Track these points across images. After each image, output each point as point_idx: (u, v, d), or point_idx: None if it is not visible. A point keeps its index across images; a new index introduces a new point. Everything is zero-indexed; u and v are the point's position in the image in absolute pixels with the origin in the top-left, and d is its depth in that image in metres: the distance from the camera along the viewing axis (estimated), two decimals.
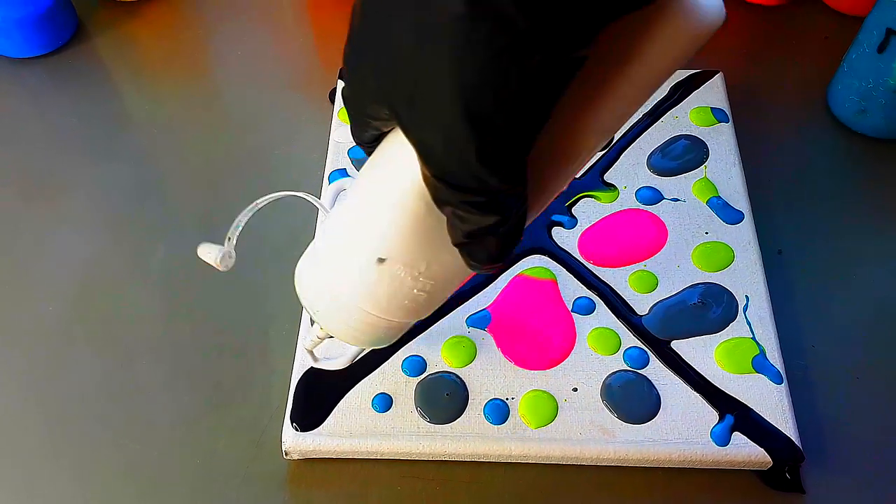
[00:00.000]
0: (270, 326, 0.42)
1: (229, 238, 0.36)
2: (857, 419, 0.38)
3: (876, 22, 0.43)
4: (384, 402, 0.37)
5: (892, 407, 0.39)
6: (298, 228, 0.44)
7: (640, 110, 0.46)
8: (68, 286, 0.43)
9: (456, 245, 0.24)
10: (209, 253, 0.36)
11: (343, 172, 0.45)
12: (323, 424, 0.36)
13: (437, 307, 0.30)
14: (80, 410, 0.39)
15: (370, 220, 0.26)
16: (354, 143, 0.42)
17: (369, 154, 0.27)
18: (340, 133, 0.46)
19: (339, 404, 0.37)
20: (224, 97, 0.53)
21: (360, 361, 0.38)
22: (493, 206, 0.22)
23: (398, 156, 0.25)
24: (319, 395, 0.37)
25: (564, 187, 0.27)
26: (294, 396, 0.37)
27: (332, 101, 0.49)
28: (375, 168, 0.26)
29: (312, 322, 0.36)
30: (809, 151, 0.48)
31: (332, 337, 0.32)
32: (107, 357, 0.41)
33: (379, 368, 0.38)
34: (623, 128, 0.46)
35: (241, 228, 0.36)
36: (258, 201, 0.35)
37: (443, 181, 0.21)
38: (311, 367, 0.38)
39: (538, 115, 0.20)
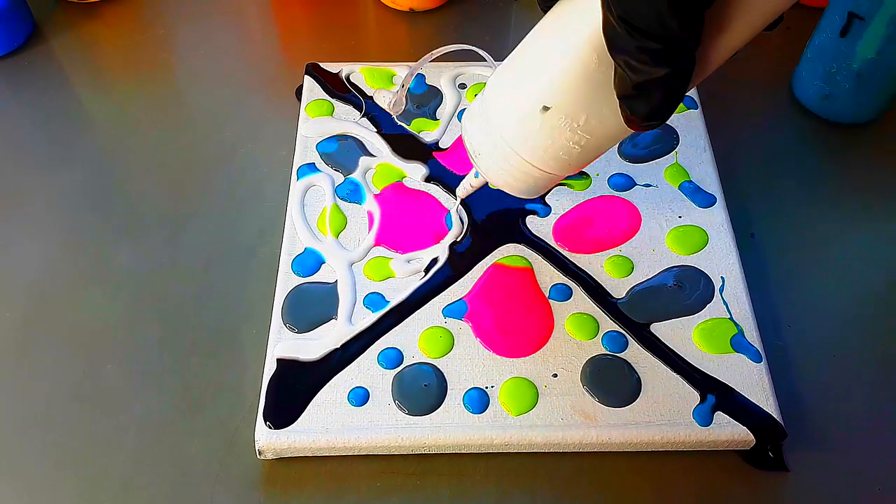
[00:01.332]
0: (241, 326, 0.40)
1: (402, 85, 0.38)
2: (836, 396, 0.38)
3: (838, 6, 0.44)
4: (361, 396, 0.36)
5: (870, 383, 0.39)
6: (267, 222, 0.43)
7: None
8: (28, 292, 0.42)
9: (621, 97, 0.25)
10: (383, 98, 0.41)
11: (312, 167, 0.44)
12: (297, 421, 0.35)
13: (585, 164, 0.31)
14: (45, 418, 0.38)
15: (541, 67, 0.28)
16: (323, 137, 0.42)
17: (545, 9, 0.28)
18: (308, 128, 0.45)
19: (313, 400, 0.36)
20: (188, 97, 0.51)
21: (334, 356, 0.37)
22: (667, 55, 0.23)
23: (576, 7, 0.26)
24: (293, 391, 0.36)
25: (722, 61, 0.27)
26: (266, 394, 0.36)
27: (299, 97, 0.48)
28: (552, 20, 0.28)
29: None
30: (777, 138, 0.49)
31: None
32: (71, 363, 0.39)
33: (354, 362, 0.37)
34: None
35: (414, 75, 0.37)
36: (433, 52, 0.38)
37: (625, 23, 0.22)
38: (283, 364, 0.37)
39: None
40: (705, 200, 0.42)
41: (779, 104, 0.50)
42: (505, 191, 0.32)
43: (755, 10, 0.25)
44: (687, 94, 0.46)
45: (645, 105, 0.25)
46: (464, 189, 0.37)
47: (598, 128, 0.28)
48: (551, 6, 0.28)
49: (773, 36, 0.53)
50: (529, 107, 0.28)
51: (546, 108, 0.28)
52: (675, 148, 0.44)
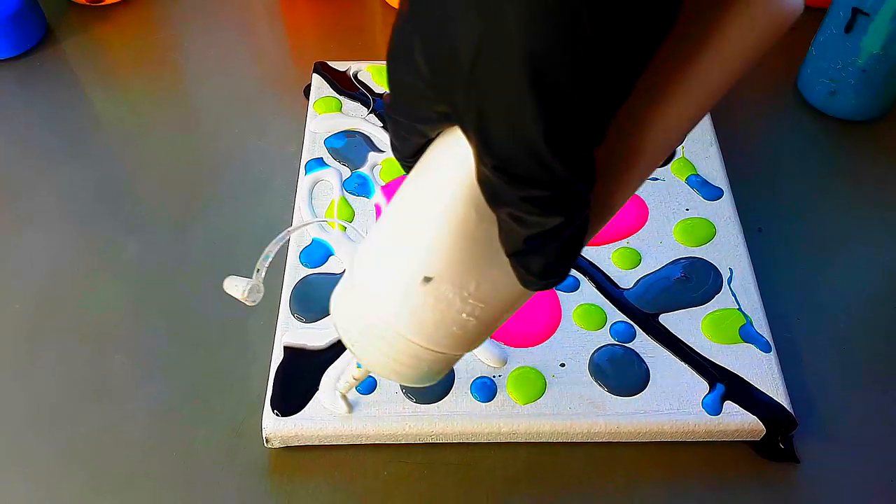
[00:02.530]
0: (249, 318, 0.40)
1: (258, 270, 0.34)
2: (846, 387, 0.38)
3: (842, 2, 0.44)
4: (368, 385, 0.36)
5: (880, 374, 0.38)
6: (275, 216, 0.43)
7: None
8: (38, 285, 0.42)
9: (511, 255, 0.22)
10: (236, 286, 0.35)
11: (320, 162, 0.44)
12: (304, 409, 0.35)
13: (486, 338, 0.27)
14: (55, 409, 0.38)
15: (414, 234, 0.24)
16: (331, 133, 0.41)
17: (407, 172, 0.25)
18: (316, 124, 0.46)
19: (321, 388, 0.36)
20: (197, 97, 0.52)
21: (340, 344, 0.37)
22: (558, 203, 0.19)
23: (445, 163, 0.22)
24: (300, 379, 0.36)
25: (624, 202, 0.24)
26: (274, 382, 0.36)
27: (307, 96, 0.48)
28: (419, 179, 0.24)
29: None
30: (783, 135, 0.49)
31: (369, 376, 0.30)
32: (79, 354, 0.39)
33: None
34: None
35: (270, 259, 0.34)
36: (286, 231, 0.35)
37: (503, 173, 0.19)
38: (291, 352, 0.37)
39: (615, 85, 0.18)
40: (712, 193, 0.42)
41: (784, 101, 0.50)
42: (394, 381, 0.28)
43: (653, 140, 0.22)
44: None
45: (540, 260, 0.21)
46: (346, 384, 0.33)
47: (491, 293, 0.24)
48: (413, 164, 0.24)
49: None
50: (409, 280, 0.24)
51: (428, 279, 0.24)
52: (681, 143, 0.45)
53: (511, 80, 0.17)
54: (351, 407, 0.35)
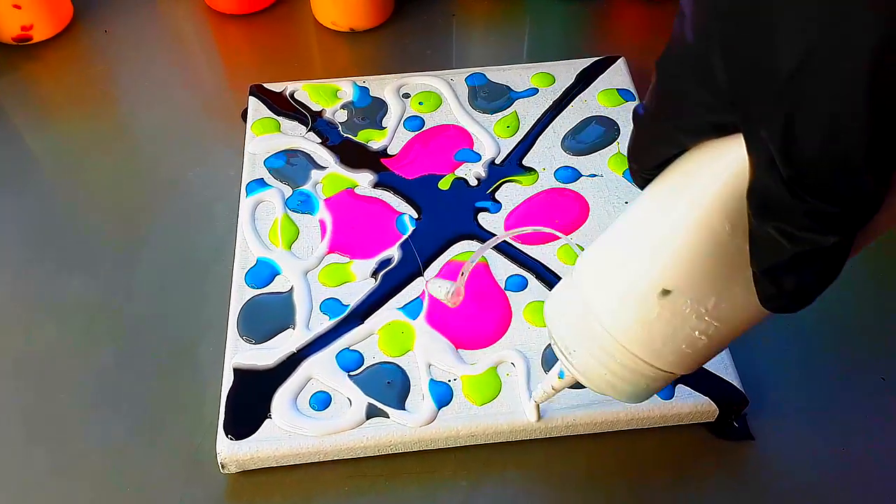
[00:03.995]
0: (199, 344, 0.40)
1: (463, 273, 0.35)
2: (793, 362, 0.39)
3: None
4: (322, 401, 0.35)
5: (825, 346, 0.39)
6: (219, 241, 0.43)
7: (549, 99, 0.48)
8: None
9: (764, 271, 0.21)
10: (439, 288, 0.37)
11: (261, 182, 0.44)
12: (258, 431, 0.35)
13: (707, 360, 0.26)
14: (1, 450, 0.36)
15: (656, 244, 0.23)
16: (270, 153, 0.41)
17: (643, 184, 0.25)
18: (255, 145, 0.46)
19: (273, 408, 0.35)
20: (134, 128, 0.51)
21: (290, 362, 0.36)
22: (842, 221, 0.19)
23: (700, 176, 0.22)
24: (251, 400, 0.35)
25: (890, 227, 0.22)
26: (225, 405, 0.35)
27: (245, 119, 0.48)
28: (664, 190, 0.23)
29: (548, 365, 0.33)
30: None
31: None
32: (24, 393, 0.38)
33: (314, 367, 0.36)
34: (536, 114, 0.47)
35: (474, 263, 0.36)
36: (494, 238, 0.36)
37: (796, 185, 0.18)
38: (241, 374, 0.36)
39: None
40: None
41: None
42: (607, 395, 0.28)
43: None
44: (624, 88, 0.48)
45: (796, 280, 0.21)
46: (544, 392, 0.32)
47: (728, 312, 0.23)
48: (651, 179, 0.24)
49: None
50: (643, 291, 0.24)
51: (666, 293, 0.23)
52: (616, 139, 0.45)
53: (845, 89, 0.17)
54: (540, 416, 0.34)
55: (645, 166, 0.24)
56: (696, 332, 0.24)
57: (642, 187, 0.25)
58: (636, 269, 0.24)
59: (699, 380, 0.36)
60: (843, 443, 0.36)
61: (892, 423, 0.37)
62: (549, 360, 0.37)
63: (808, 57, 0.17)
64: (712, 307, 0.23)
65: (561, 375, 0.30)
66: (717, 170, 0.21)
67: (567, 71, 0.49)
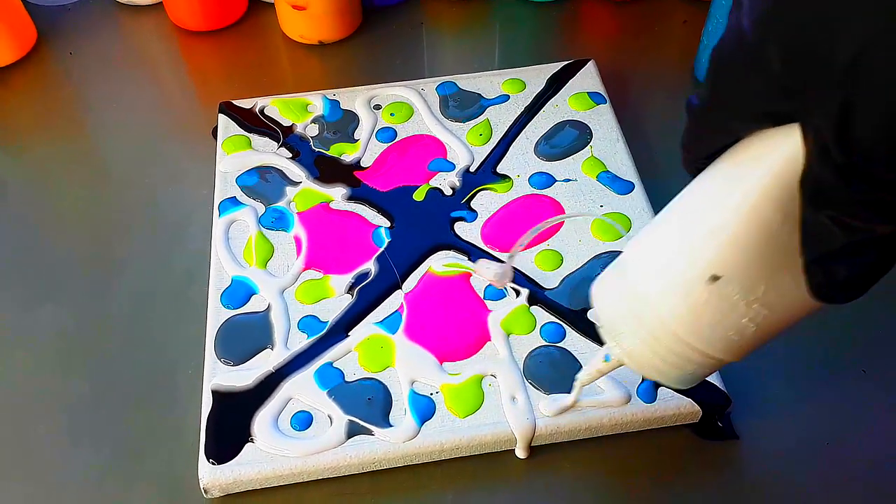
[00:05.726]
0: (177, 369, 0.39)
1: (511, 255, 0.36)
2: (775, 358, 0.39)
3: None
4: (304, 420, 0.35)
5: (806, 340, 0.39)
6: (193, 262, 0.42)
7: (521, 105, 0.47)
8: None
9: (815, 260, 0.21)
10: (487, 268, 0.37)
11: (234, 201, 0.43)
12: (240, 454, 0.34)
13: (755, 348, 0.26)
14: None
15: (708, 231, 0.23)
16: (242, 171, 0.41)
17: (694, 173, 0.25)
18: (226, 163, 0.45)
19: (255, 429, 0.35)
20: (103, 151, 0.51)
21: (269, 382, 0.36)
22: None
23: (753, 165, 0.22)
24: (233, 424, 0.35)
25: None
26: (206, 429, 0.35)
27: (215, 136, 0.48)
28: (717, 178, 0.24)
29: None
30: (685, 123, 0.50)
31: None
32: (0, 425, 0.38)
33: (294, 387, 0.36)
34: (508, 121, 0.47)
35: (523, 246, 0.36)
36: (548, 221, 0.36)
37: (852, 172, 0.18)
38: (220, 397, 0.36)
39: None
40: (624, 188, 0.43)
41: (685, 91, 0.52)
42: (652, 379, 0.28)
43: None
44: (595, 91, 0.48)
45: (848, 270, 0.21)
46: (589, 375, 0.32)
47: (777, 301, 0.24)
48: (703, 167, 0.25)
49: (672, 31, 0.56)
50: (692, 277, 0.24)
51: (715, 278, 0.23)
52: (589, 142, 0.45)
53: None
54: (577, 401, 0.34)
55: (698, 155, 0.25)
56: (745, 320, 0.24)
57: (694, 175, 0.25)
58: (686, 254, 0.24)
59: None
60: (827, 437, 0.36)
61: (875, 416, 0.37)
62: (530, 369, 0.36)
63: (866, 46, 0.17)
64: (761, 295, 0.24)
65: (607, 359, 0.30)
66: (771, 158, 0.22)
67: (537, 76, 0.49)
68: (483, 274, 0.37)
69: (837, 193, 0.19)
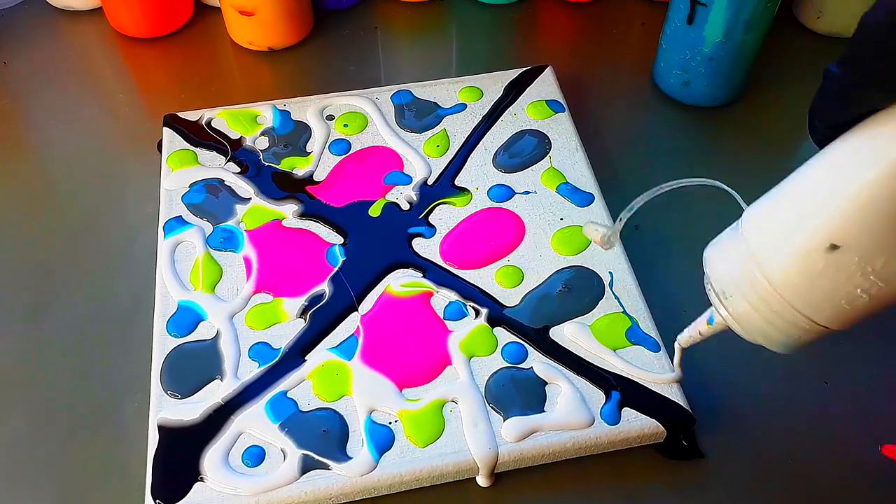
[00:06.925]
0: (122, 401, 0.37)
1: (621, 219, 0.36)
2: (740, 376, 0.38)
3: None
4: (256, 455, 0.34)
5: (768, 358, 0.39)
6: (138, 287, 0.40)
7: (478, 114, 0.46)
8: None
9: None
10: (595, 231, 0.38)
11: (179, 220, 0.41)
12: (190, 493, 0.32)
13: (863, 318, 0.26)
14: None
15: (829, 198, 0.24)
16: (187, 189, 0.39)
17: (822, 143, 0.25)
18: (171, 181, 0.43)
19: (204, 467, 0.33)
20: (46, 168, 0.48)
21: (219, 415, 0.34)
22: None
23: (886, 134, 0.23)
24: (181, 461, 0.33)
25: None
26: (153, 468, 0.33)
27: (160, 150, 0.46)
28: (847, 149, 0.24)
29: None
30: (645, 130, 0.50)
31: (721, 330, 0.30)
32: None
33: (245, 421, 0.34)
34: (465, 131, 0.46)
35: (633, 210, 0.35)
36: (660, 186, 0.35)
37: None
38: (166, 432, 0.34)
39: None
40: (584, 199, 0.42)
41: (643, 97, 0.51)
42: (757, 342, 0.28)
43: None
44: (553, 99, 0.47)
45: None
46: (690, 337, 0.32)
47: (894, 275, 0.24)
48: (832, 138, 0.25)
49: (630, 34, 0.55)
50: (811, 245, 0.25)
51: (834, 247, 0.24)
52: (548, 152, 0.44)
53: None
54: (681, 370, 0.35)
55: (830, 123, 0.25)
56: (859, 290, 0.25)
57: (821, 146, 0.26)
58: (807, 222, 0.25)
59: (645, 402, 0.35)
60: (792, 452, 0.36)
61: (837, 427, 0.37)
62: (492, 391, 0.35)
63: None
64: (880, 267, 0.24)
65: (710, 321, 0.31)
66: None
67: (495, 83, 0.48)
68: (591, 236, 0.37)
69: None
